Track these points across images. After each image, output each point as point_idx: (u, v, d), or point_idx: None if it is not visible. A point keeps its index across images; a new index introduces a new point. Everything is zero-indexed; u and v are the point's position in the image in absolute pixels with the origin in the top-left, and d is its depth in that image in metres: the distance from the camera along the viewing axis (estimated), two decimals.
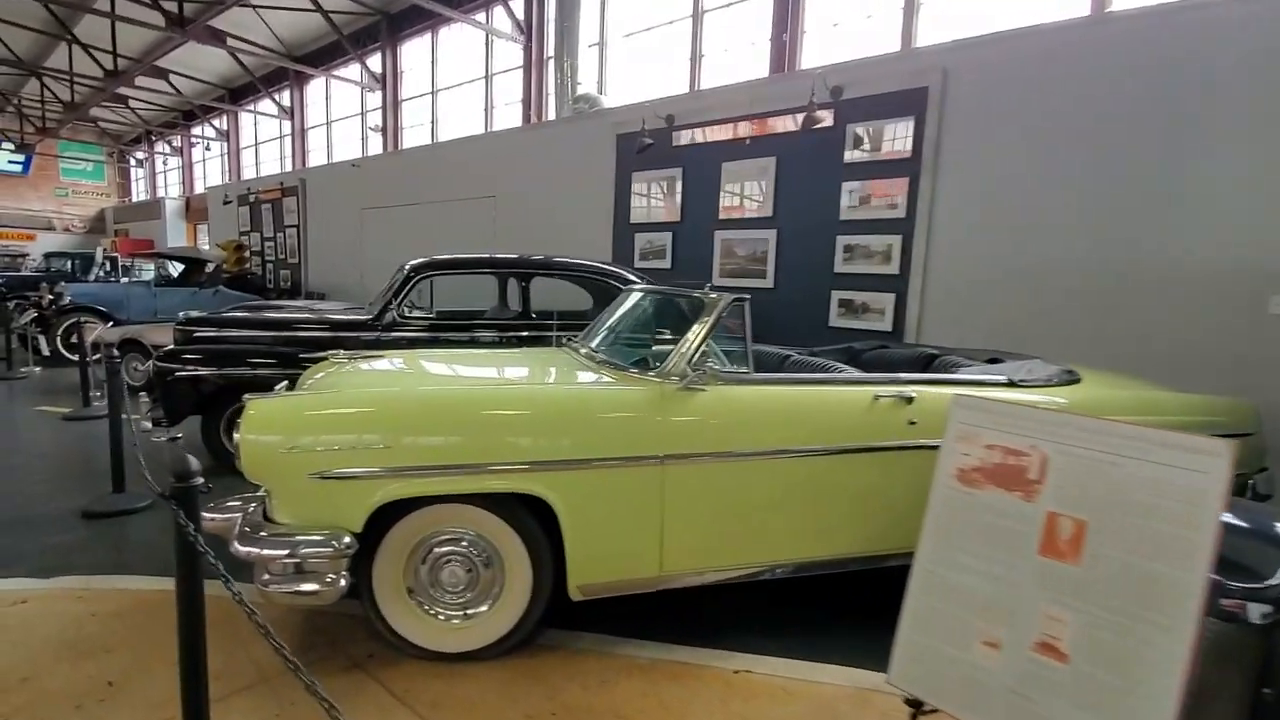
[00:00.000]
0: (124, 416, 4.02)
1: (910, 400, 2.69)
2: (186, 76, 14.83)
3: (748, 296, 2.72)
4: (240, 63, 13.34)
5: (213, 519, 2.36)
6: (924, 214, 5.53)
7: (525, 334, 5.10)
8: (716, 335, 2.65)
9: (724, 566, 2.57)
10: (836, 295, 6.05)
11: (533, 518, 2.38)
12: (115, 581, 3.01)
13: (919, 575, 1.68)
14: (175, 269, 12.55)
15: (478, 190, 9.47)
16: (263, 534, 2.16)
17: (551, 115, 9.41)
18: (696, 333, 2.64)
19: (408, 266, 5.08)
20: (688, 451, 2.45)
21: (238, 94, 16.14)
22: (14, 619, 2.66)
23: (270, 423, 2.18)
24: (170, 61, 13.99)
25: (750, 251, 6.61)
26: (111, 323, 7.58)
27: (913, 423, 2.68)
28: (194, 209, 19.22)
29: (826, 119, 5.67)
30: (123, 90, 14.99)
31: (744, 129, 6.52)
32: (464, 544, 2.38)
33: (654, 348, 3.39)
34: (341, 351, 3.15)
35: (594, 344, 3.21)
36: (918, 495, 2.73)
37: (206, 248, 12.91)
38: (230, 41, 11.95)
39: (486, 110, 10.27)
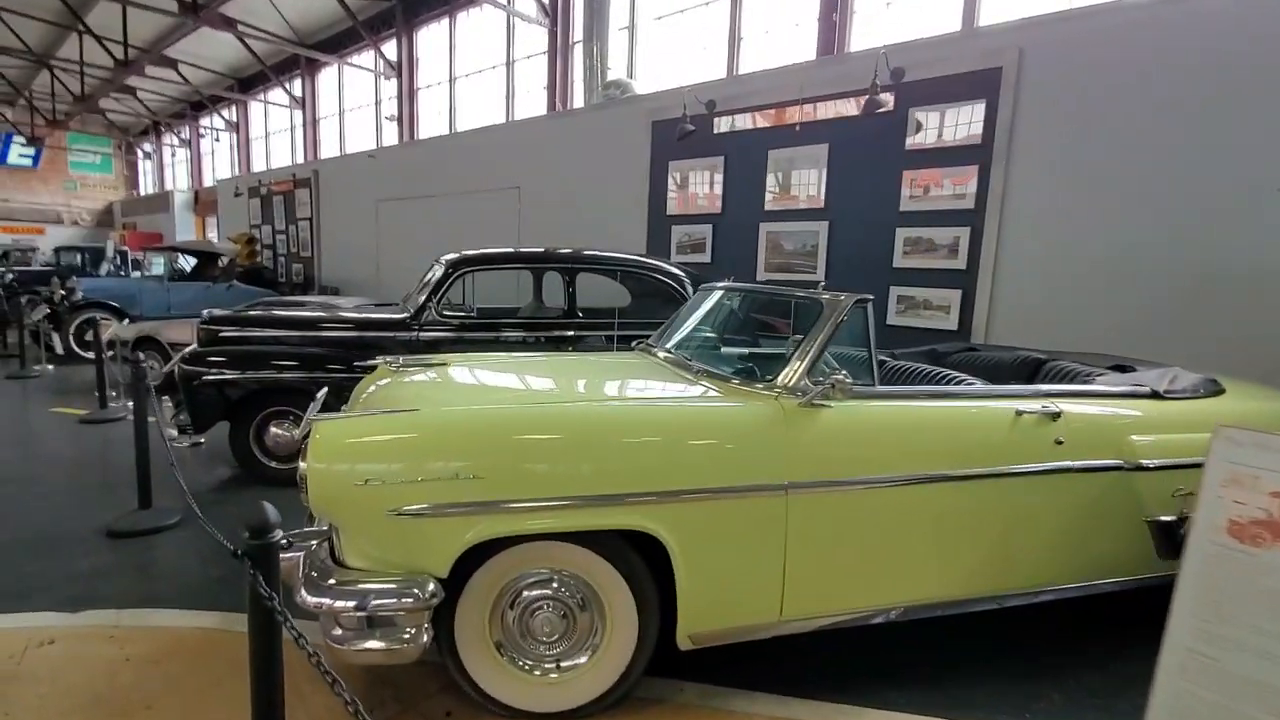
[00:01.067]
0: (151, 421, 3.72)
1: (1056, 416, 2.35)
2: (196, 66, 14.48)
3: (871, 297, 2.38)
4: (251, 51, 12.98)
5: None
6: (995, 205, 5.17)
7: (572, 334, 4.77)
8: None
9: (849, 610, 2.24)
10: (895, 291, 5.69)
11: (638, 556, 2.05)
12: (149, 617, 2.70)
13: (1175, 656, 1.35)
14: (188, 263, 12.29)
15: (501, 182, 9.13)
16: (332, 581, 1.83)
17: (578, 103, 9.03)
18: (815, 339, 2.30)
19: (444, 261, 4.75)
20: (815, 479, 2.12)
21: (247, 84, 15.79)
22: (42, 666, 2.35)
23: (342, 449, 1.85)
24: (179, 51, 13.64)
25: (799, 245, 6.25)
26: (127, 320, 7.28)
27: (1059, 441, 2.35)
28: (203, 202, 18.91)
29: (889, 103, 5.29)
30: (131, 81, 14.64)
31: (793, 115, 6.15)
32: (556, 585, 2.06)
33: (733, 351, 3.06)
34: (397, 359, 2.80)
35: (678, 348, 2.87)
36: (1065, 525, 2.41)
37: (218, 241, 12.58)
38: (241, 28, 11.58)
39: (508, 98, 9.90)
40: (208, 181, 19.26)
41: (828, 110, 6.00)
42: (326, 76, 13.88)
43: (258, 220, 14.60)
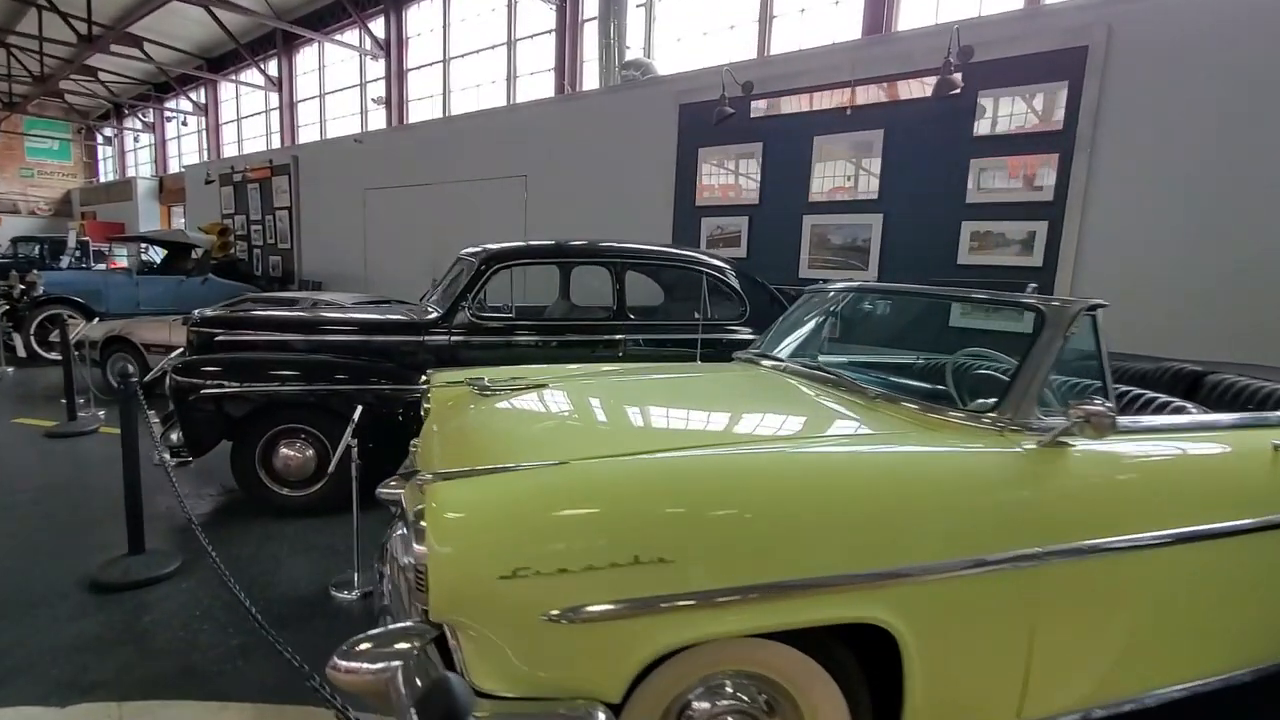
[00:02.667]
0: (153, 442, 3.09)
1: None
2: (162, 45, 13.48)
3: (1104, 304, 1.89)
4: (223, 27, 12.07)
5: (353, 670, 1.44)
6: (1077, 196, 4.74)
7: (621, 338, 4.22)
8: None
9: (1098, 701, 1.75)
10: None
11: (848, 649, 1.53)
12: (159, 713, 2.09)
13: None
14: (156, 255, 11.39)
15: (506, 169, 8.49)
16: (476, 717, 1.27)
17: (590, 85, 8.43)
18: (1040, 359, 1.81)
19: (476, 256, 4.16)
20: (1070, 544, 1.62)
21: (218, 64, 14.80)
22: None
23: (479, 527, 1.28)
24: (145, 28, 12.64)
25: (849, 239, 5.78)
26: (98, 319, 6.52)
27: None
28: (168, 189, 17.81)
29: (961, 84, 4.82)
30: (92, 61, 13.60)
31: (843, 97, 5.66)
32: (733, 690, 1.52)
33: (884, 366, 2.56)
34: (481, 378, 2.22)
35: (813, 363, 2.35)
36: None
37: (190, 232, 11.69)
38: (213, 4, 10.72)
39: (509, 80, 9.26)
40: (173, 168, 18.16)
41: (883, 93, 5.52)
42: (306, 56, 13.02)
43: (230, 209, 13.69)
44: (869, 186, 5.62)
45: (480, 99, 9.85)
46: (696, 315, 4.55)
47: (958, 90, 4.86)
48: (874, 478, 1.53)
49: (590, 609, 1.27)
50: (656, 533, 1.32)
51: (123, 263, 11.26)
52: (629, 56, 7.40)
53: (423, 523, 1.28)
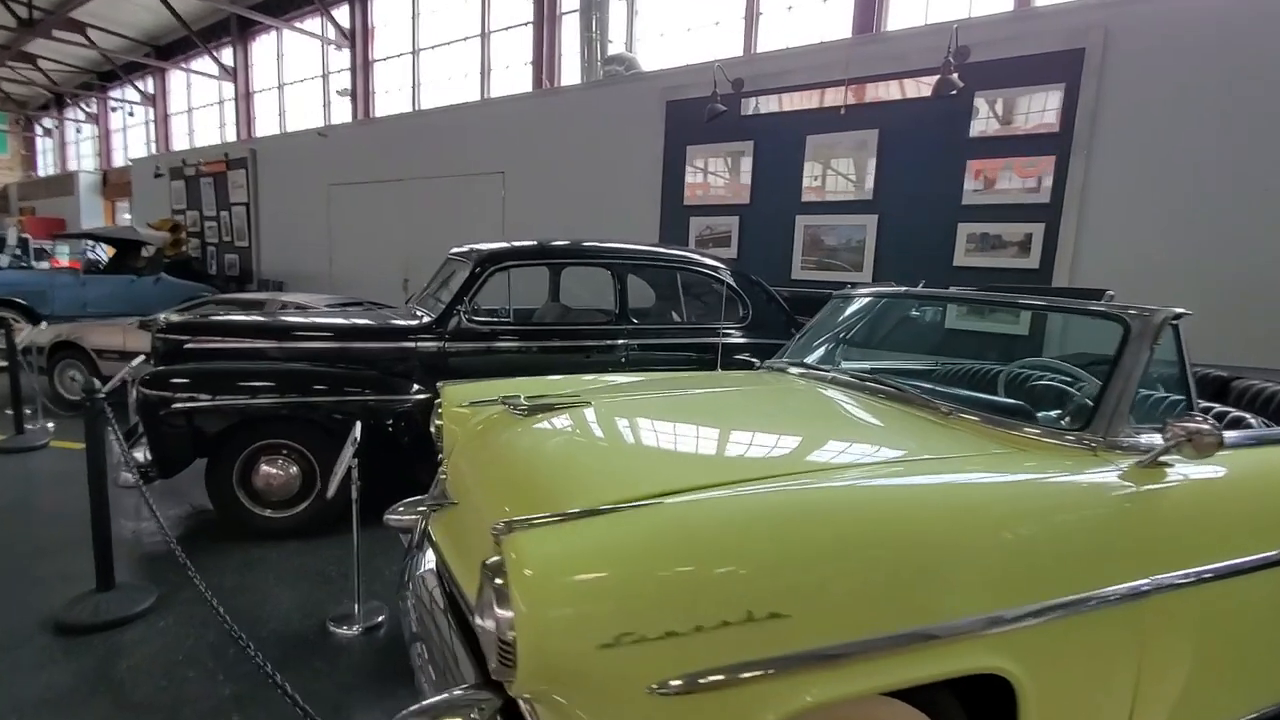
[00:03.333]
0: (129, 466, 2.80)
1: None
2: (108, 31, 12.73)
3: (1187, 313, 1.79)
4: (174, 12, 11.43)
5: None
6: (1074, 198, 4.73)
7: (622, 343, 4.03)
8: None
9: None
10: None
11: (955, 701, 1.39)
12: None
13: None
14: (102, 254, 10.72)
15: (482, 165, 8.21)
16: None
17: (569, 79, 8.21)
18: (1127, 372, 1.70)
19: (466, 257, 3.93)
20: (1177, 573, 1.51)
21: (168, 52, 14.04)
22: None
23: (573, 591, 1.09)
24: (89, 13, 11.89)
25: (843, 240, 5.69)
26: (45, 322, 6.03)
27: None
28: (113, 184, 16.89)
29: (962, 84, 4.77)
30: (31, 48, 12.76)
31: (836, 96, 5.57)
32: None
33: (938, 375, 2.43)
34: (517, 397, 2.00)
35: (867, 375, 2.21)
36: None
37: (140, 228, 11.03)
38: None
39: (483, 74, 8.96)
40: (118, 161, 17.22)
41: (878, 92, 5.45)
42: (264, 45, 12.44)
43: (181, 205, 13.02)
44: (863, 187, 5.54)
45: (452, 93, 9.52)
46: (701, 319, 4.42)
47: (957, 90, 4.79)
48: (1010, 509, 1.39)
49: (702, 677, 1.09)
50: (770, 583, 1.15)
51: (64, 260, 10.55)
52: (611, 51, 7.19)
53: (503, 582, 1.08)
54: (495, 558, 1.14)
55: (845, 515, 1.26)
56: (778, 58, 6.05)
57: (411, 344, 3.69)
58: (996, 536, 1.33)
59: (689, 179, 6.49)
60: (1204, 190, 4.32)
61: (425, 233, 9.00)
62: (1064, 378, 2.18)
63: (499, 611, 1.08)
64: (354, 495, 2.58)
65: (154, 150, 15.61)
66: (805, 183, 5.82)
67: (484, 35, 8.97)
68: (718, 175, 6.32)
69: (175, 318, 3.78)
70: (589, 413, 1.84)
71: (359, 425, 2.64)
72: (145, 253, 9.44)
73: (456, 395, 2.43)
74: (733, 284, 4.46)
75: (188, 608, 2.72)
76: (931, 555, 1.26)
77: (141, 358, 4.27)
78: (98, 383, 2.57)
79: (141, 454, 3.35)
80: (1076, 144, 4.69)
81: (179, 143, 15.10)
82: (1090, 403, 1.90)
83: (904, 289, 2.64)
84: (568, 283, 4.85)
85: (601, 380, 2.58)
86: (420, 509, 2.38)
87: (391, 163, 9.25)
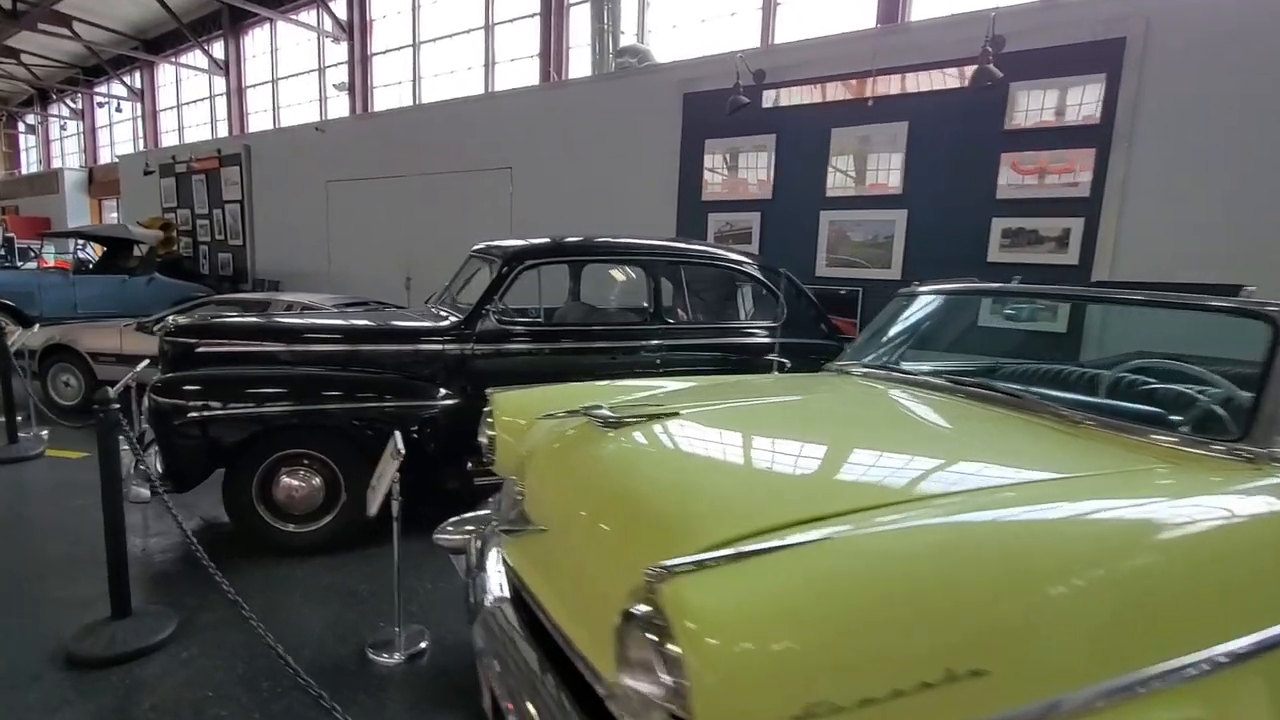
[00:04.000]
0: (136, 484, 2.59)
1: None
2: (94, 24, 12.37)
3: None
4: (164, 4, 11.10)
5: None
6: (1115, 192, 4.59)
7: (656, 343, 3.85)
8: None
9: None
10: None
11: None
12: None
13: None
14: (89, 253, 10.41)
15: (487, 161, 7.98)
16: None
17: (578, 72, 7.99)
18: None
19: (494, 255, 3.73)
20: None
21: (156, 45, 13.67)
22: None
23: (756, 655, 0.89)
24: (74, 6, 11.54)
25: (870, 236, 5.53)
26: (37, 325, 5.76)
27: None
28: (99, 181, 16.48)
29: (1001, 74, 4.61)
30: (14, 42, 12.37)
31: (863, 88, 5.40)
32: None
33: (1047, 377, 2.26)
34: (600, 404, 1.79)
35: (972, 380, 2.03)
36: None
37: (133, 227, 10.69)
38: None
39: (487, 67, 8.73)
40: (104, 158, 16.82)
41: (907, 83, 5.28)
42: (257, 38, 12.13)
43: (172, 203, 12.67)
44: (892, 181, 5.38)
45: (454, 87, 9.28)
46: (735, 317, 4.24)
47: (994, 81, 4.64)
48: (1222, 536, 1.21)
49: None
50: (970, 633, 0.97)
51: (50, 260, 10.22)
52: (623, 43, 6.99)
53: (665, 641, 0.89)
54: (643, 607, 0.95)
55: (1047, 549, 1.08)
56: (801, 48, 5.87)
57: (438, 346, 3.48)
58: (1211, 567, 1.16)
59: (707, 173, 6.30)
60: (1250, 183, 4.19)
61: (428, 230, 8.76)
62: (1182, 381, 2.01)
63: (664, 677, 0.89)
64: (394, 512, 2.37)
65: (142, 147, 15.24)
66: (830, 177, 5.64)
67: (488, 28, 8.74)
68: (738, 170, 6.14)
69: (183, 320, 3.55)
70: (682, 425, 1.65)
71: (398, 435, 2.43)
72: (137, 252, 9.13)
73: (509, 404, 2.25)
74: (766, 281, 4.29)
75: (212, 635, 2.51)
76: (1149, 592, 1.08)
77: (145, 362, 4.06)
78: (110, 390, 2.35)
79: (151, 466, 3.13)
80: (1117, 136, 4.54)
81: (168, 139, 14.75)
82: (1220, 410, 1.74)
83: (995, 286, 2.47)
84: (585, 281, 4.67)
85: (657, 386, 2.40)
86: (469, 528, 2.19)
87: (392, 159, 9.01)
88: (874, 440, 1.61)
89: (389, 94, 10.21)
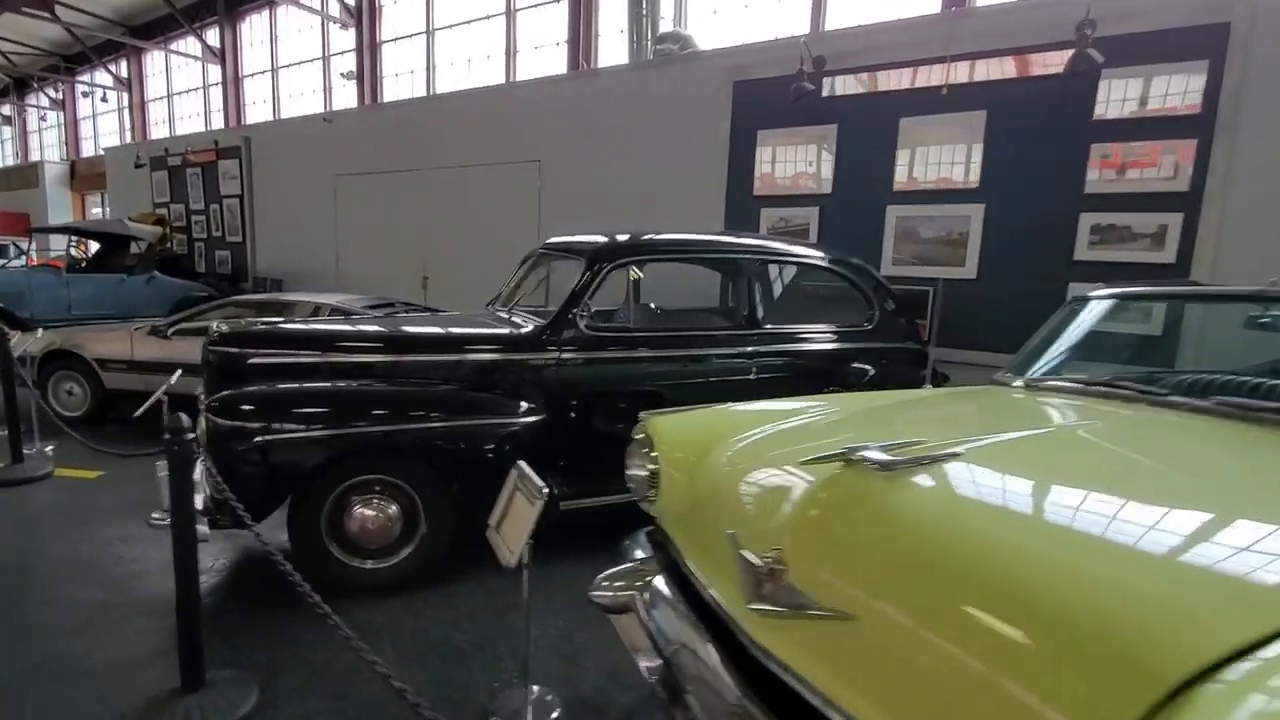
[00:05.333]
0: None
1: None
2: (77, 9, 11.73)
3: None
4: None
5: None
6: (1217, 186, 4.31)
7: (751, 350, 3.50)
8: None
9: None
10: (1076, 289, 4.73)
11: None
12: None
13: None
14: (72, 250, 9.83)
15: (514, 154, 7.57)
16: None
17: (607, 60, 7.60)
18: None
19: (573, 251, 3.37)
20: None
21: (145, 31, 13.04)
22: None
23: None
24: None
25: (942, 232, 5.21)
26: (41, 329, 5.28)
27: None
28: (82, 175, 15.78)
29: (1101, 59, 4.31)
30: None
31: (936, 75, 5.08)
32: None
33: None
34: (876, 446, 1.42)
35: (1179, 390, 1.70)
36: None
37: (130, 222, 10.11)
38: None
39: (508, 55, 8.32)
40: (87, 150, 16.11)
41: (986, 70, 4.97)
42: (256, 23, 11.57)
43: (165, 197, 12.09)
44: (968, 174, 5.06)
45: (470, 76, 8.85)
46: (827, 321, 3.89)
47: (1093, 67, 4.33)
48: None
49: None
50: None
51: (34, 259, 9.64)
52: (662, 29, 6.62)
53: None
54: None
55: None
56: (867, 33, 5.54)
57: (522, 356, 3.10)
58: None
59: (760, 166, 5.95)
60: None
61: (447, 227, 8.35)
62: None
63: None
64: (525, 558, 1.99)
65: (128, 139, 14.58)
66: (898, 170, 5.32)
67: (509, 14, 8.32)
68: (794, 163, 5.79)
69: (225, 328, 3.13)
70: (977, 471, 1.29)
71: (528, 469, 2.06)
72: (135, 249, 8.60)
73: (673, 433, 1.89)
74: (858, 281, 3.97)
75: (298, 706, 2.11)
76: None
77: (179, 373, 3.63)
78: (185, 418, 1.94)
79: (203, 496, 2.73)
80: (1220, 127, 4.26)
81: (157, 131, 14.11)
82: None
83: (1231, 290, 2.14)
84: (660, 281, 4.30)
85: (836, 408, 2.05)
86: (621, 582, 1.85)
87: (408, 151, 8.56)
88: (1199, 474, 1.27)
89: (399, 83, 9.74)
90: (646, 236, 3.43)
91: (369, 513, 2.80)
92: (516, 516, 1.95)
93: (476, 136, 7.89)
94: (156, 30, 12.68)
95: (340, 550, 2.79)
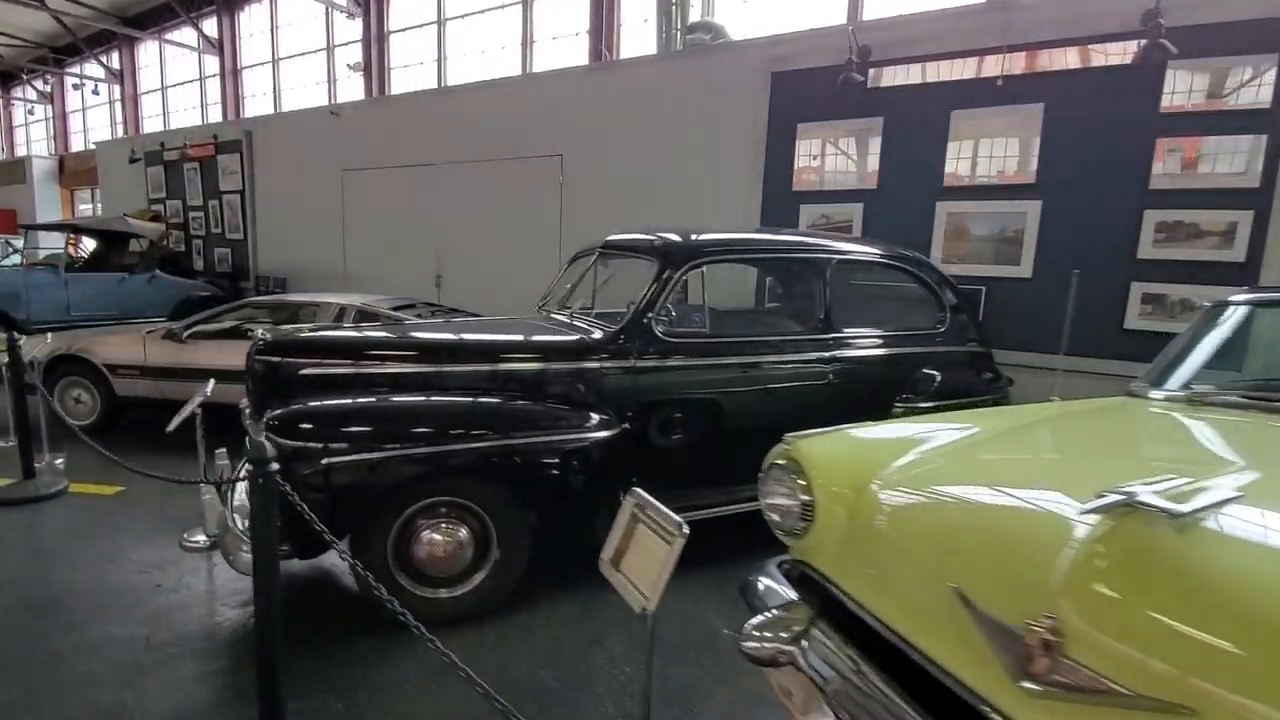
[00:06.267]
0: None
1: None
2: None
3: None
4: None
5: None
6: None
7: (828, 355, 3.29)
8: None
9: None
10: (1139, 289, 4.59)
11: None
12: None
13: None
14: (52, 247, 9.44)
15: (534, 148, 7.32)
16: None
17: (629, 50, 7.36)
18: None
19: (641, 250, 3.15)
20: None
21: (138, 21, 12.61)
22: None
23: None
24: None
25: (995, 229, 5.03)
26: (49, 335, 4.97)
27: None
28: (71, 171, 15.32)
29: (1174, 49, 4.12)
30: None
31: (987, 66, 4.89)
32: None
33: None
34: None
35: None
36: None
37: (131, 219, 9.73)
38: None
39: (525, 45, 8.05)
40: (76, 145, 15.65)
41: (1043, 61, 4.77)
42: (255, 13, 11.21)
43: (160, 193, 11.72)
44: (1025, 169, 4.88)
45: (483, 68, 8.58)
46: (897, 325, 3.69)
47: (1166, 58, 4.15)
48: None
49: None
50: None
51: (17, 258, 9.25)
52: (694, 18, 6.39)
53: None
54: None
55: None
56: (917, 22, 5.35)
57: (595, 363, 2.87)
58: None
59: (800, 161, 5.74)
60: None
61: (462, 224, 8.09)
62: None
63: None
64: (650, 604, 1.77)
65: (119, 133, 14.15)
66: (949, 165, 5.12)
67: (526, 2, 8.05)
68: (837, 156, 5.59)
69: (271, 335, 2.89)
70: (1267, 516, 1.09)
71: (642, 493, 1.84)
72: (138, 246, 8.27)
73: (828, 460, 1.68)
74: (929, 280, 3.77)
75: None
76: None
77: (212, 382, 3.38)
78: (269, 447, 1.70)
79: (236, 521, 2.50)
80: None
81: (150, 125, 13.69)
82: None
83: None
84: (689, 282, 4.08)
85: (961, 426, 1.84)
86: (771, 634, 1.65)
87: (420, 145, 8.28)
88: None
89: (408, 75, 9.44)
90: (726, 235, 3.22)
91: (438, 537, 2.57)
92: (644, 554, 1.73)
93: (495, 130, 7.63)
94: (151, 20, 12.27)
95: (409, 580, 2.55)
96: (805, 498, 1.65)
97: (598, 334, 2.96)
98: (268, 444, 1.71)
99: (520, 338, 2.96)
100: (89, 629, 2.54)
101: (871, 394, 3.41)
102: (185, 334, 4.97)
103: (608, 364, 2.88)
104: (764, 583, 1.81)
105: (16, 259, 8.66)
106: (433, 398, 2.62)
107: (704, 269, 3.12)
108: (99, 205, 13.78)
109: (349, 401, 2.52)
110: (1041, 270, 4.89)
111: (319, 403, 2.48)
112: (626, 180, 6.71)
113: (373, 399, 2.57)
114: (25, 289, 7.16)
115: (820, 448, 1.71)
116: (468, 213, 7.99)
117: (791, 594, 1.75)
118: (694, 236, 3.12)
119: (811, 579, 1.69)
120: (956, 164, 5.10)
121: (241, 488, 2.92)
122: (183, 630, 2.55)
